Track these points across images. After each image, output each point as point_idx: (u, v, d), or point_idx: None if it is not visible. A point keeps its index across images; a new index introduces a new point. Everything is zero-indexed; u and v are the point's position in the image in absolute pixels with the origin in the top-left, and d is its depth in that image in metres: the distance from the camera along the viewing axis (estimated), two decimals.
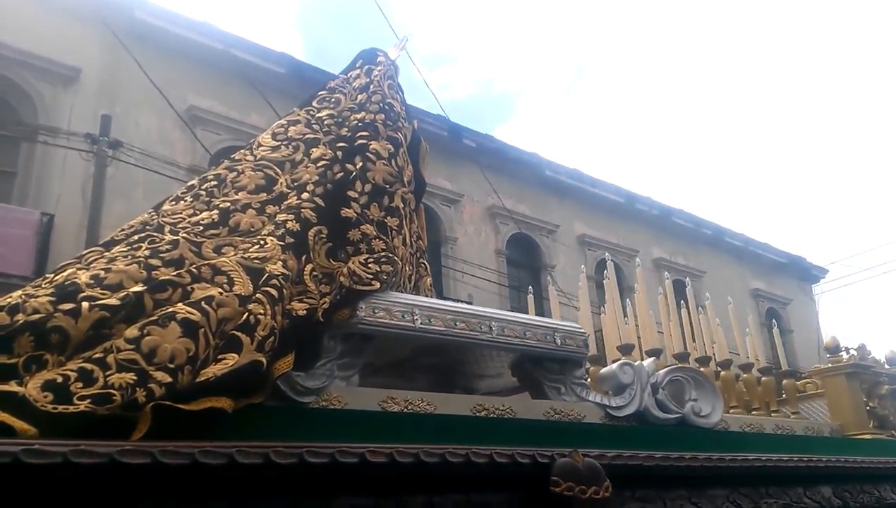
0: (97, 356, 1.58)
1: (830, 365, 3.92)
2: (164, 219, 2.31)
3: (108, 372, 1.55)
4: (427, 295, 2.82)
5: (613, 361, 3.14)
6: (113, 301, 1.73)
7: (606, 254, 3.68)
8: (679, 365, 3.00)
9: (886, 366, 4.11)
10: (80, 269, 2.03)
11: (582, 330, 2.73)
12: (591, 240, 15.37)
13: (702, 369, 3.26)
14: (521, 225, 14.02)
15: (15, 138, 8.93)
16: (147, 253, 2.08)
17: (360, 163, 2.51)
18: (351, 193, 2.42)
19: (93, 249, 2.24)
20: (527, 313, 3.97)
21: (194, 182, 2.54)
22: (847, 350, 3.96)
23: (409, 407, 2.18)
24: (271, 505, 1.54)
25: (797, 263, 20.38)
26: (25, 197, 8.58)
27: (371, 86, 2.90)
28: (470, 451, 1.81)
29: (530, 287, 4.83)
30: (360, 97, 2.87)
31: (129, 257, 2.06)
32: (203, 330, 1.71)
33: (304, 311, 1.98)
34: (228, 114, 10.61)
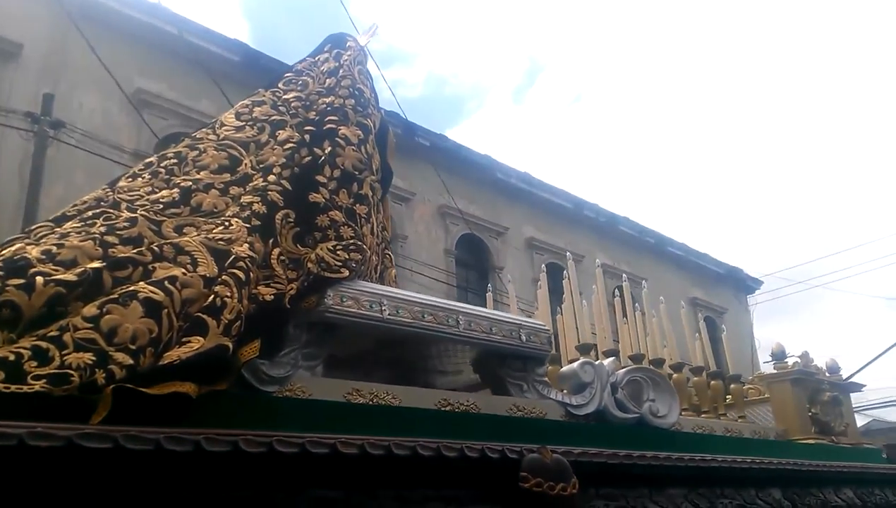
0: (52, 334, 1.48)
1: (776, 370, 4.03)
2: (120, 196, 2.19)
3: (64, 352, 1.44)
4: (392, 287, 2.76)
5: (571, 360, 3.15)
6: (69, 277, 1.62)
7: (567, 253, 3.70)
8: (638, 366, 3.02)
9: (827, 374, 4.26)
10: (29, 244, 1.91)
11: (546, 328, 2.72)
12: (539, 243, 15.51)
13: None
14: (471, 225, 14.03)
15: None
16: (103, 229, 1.96)
17: (329, 148, 2.43)
18: (319, 178, 2.34)
19: (42, 224, 2.11)
20: None
21: (152, 159, 2.42)
22: (786, 356, 4.08)
23: (375, 400, 2.13)
24: (237, 496, 1.46)
25: (734, 274, 21.04)
26: None
27: (340, 71, 2.82)
28: (441, 445, 1.77)
29: (489, 285, 4.79)
30: (328, 81, 2.79)
31: (84, 233, 1.95)
32: (166, 310, 1.62)
33: (272, 296, 1.90)
34: (178, 100, 10.26)
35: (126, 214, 2.07)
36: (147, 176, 2.31)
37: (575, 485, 1.96)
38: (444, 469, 1.80)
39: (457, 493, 1.83)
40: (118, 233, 1.95)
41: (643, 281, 4.02)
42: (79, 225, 2.03)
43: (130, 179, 2.30)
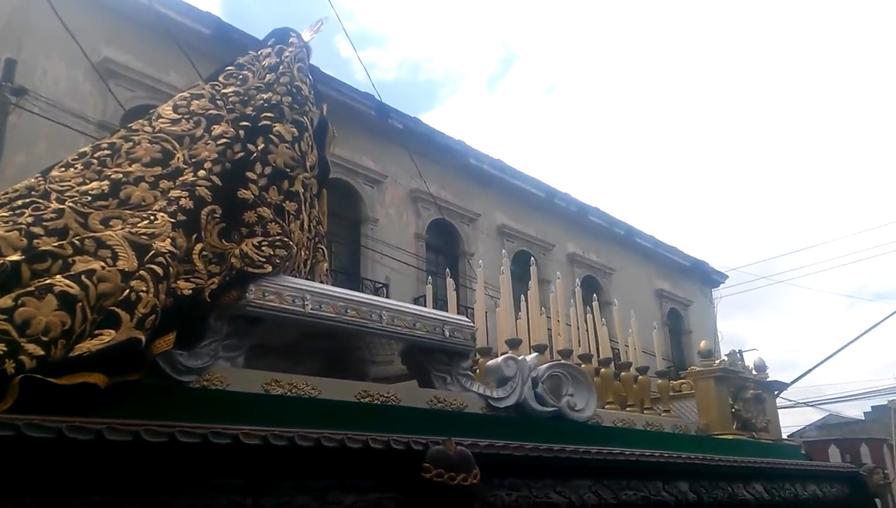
0: None
1: (702, 367, 4.22)
2: (51, 186, 2.25)
3: None
4: (323, 281, 2.86)
5: (501, 354, 3.28)
6: None
7: (504, 251, 3.80)
8: (559, 362, 3.16)
9: (754, 372, 4.47)
10: None
11: (470, 324, 2.85)
12: (509, 230, 15.67)
13: (583, 366, 3.45)
14: (442, 210, 14.13)
15: None
16: (30, 220, 2.03)
17: (262, 145, 2.51)
18: (250, 174, 2.42)
19: None
20: (444, 298, 3.96)
21: (86, 148, 2.48)
22: (713, 354, 4.27)
23: (294, 391, 2.23)
24: (141, 484, 1.56)
25: (700, 267, 21.44)
26: None
27: (280, 67, 2.89)
28: (345, 437, 1.88)
29: (447, 269, 4.85)
30: (268, 77, 2.86)
31: (11, 223, 2.01)
32: (80, 304, 1.70)
33: (190, 291, 1.99)
34: (145, 71, 10.17)
35: (55, 205, 2.13)
36: (80, 166, 2.36)
37: (476, 476, 2.09)
38: (349, 460, 1.92)
39: (360, 483, 1.94)
40: (44, 224, 2.02)
41: (574, 280, 4.14)
42: (7, 214, 2.09)
43: (63, 169, 2.36)
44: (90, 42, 9.29)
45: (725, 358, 4.15)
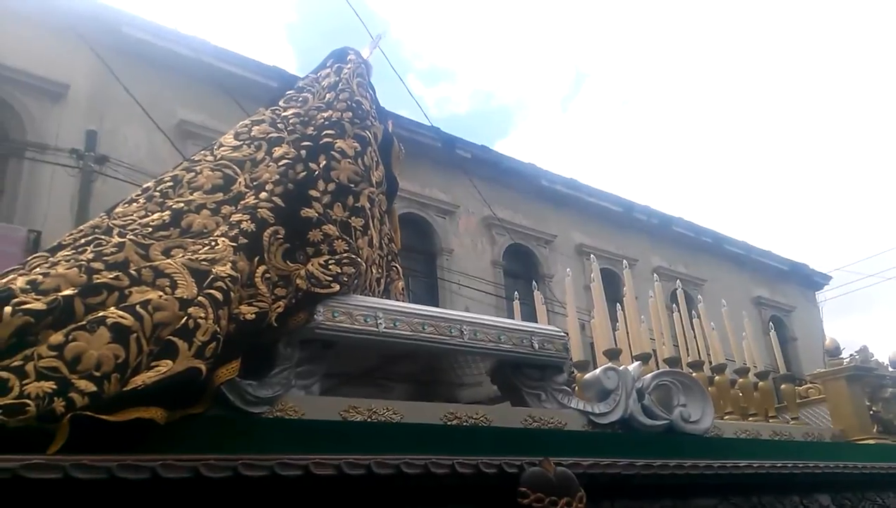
0: (16, 364, 1.45)
1: (830, 368, 3.77)
2: (114, 222, 2.18)
3: (24, 381, 1.42)
4: (399, 299, 2.69)
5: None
6: (38, 305, 1.60)
7: (591, 256, 3.54)
8: (666, 370, 2.85)
9: (890, 369, 3.96)
10: (21, 275, 1.91)
11: (562, 334, 2.59)
12: (589, 249, 15.19)
13: (694, 374, 3.12)
14: (517, 235, 13.87)
15: (2, 155, 8.85)
16: (91, 256, 1.96)
17: (324, 162, 2.38)
18: (313, 192, 2.29)
19: (39, 254, 2.12)
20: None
21: (150, 183, 2.42)
22: (841, 352, 3.81)
23: (374, 417, 2.04)
24: None
25: (799, 270, 20.17)
26: (13, 213, 8.46)
27: (339, 85, 2.79)
28: (429, 461, 1.67)
29: (534, 282, 4.58)
30: (328, 96, 2.76)
31: (72, 261, 1.94)
32: (135, 335, 1.58)
33: (254, 315, 1.84)
34: (219, 129, 10.47)
35: (116, 239, 2.06)
36: (142, 200, 2.30)
37: (581, 499, 1.84)
38: (435, 487, 1.71)
39: None
40: (105, 258, 1.94)
41: (695, 291, 3.80)
42: (70, 253, 2.03)
43: (126, 204, 2.30)
44: (167, 106, 9.72)
45: (856, 355, 3.68)
